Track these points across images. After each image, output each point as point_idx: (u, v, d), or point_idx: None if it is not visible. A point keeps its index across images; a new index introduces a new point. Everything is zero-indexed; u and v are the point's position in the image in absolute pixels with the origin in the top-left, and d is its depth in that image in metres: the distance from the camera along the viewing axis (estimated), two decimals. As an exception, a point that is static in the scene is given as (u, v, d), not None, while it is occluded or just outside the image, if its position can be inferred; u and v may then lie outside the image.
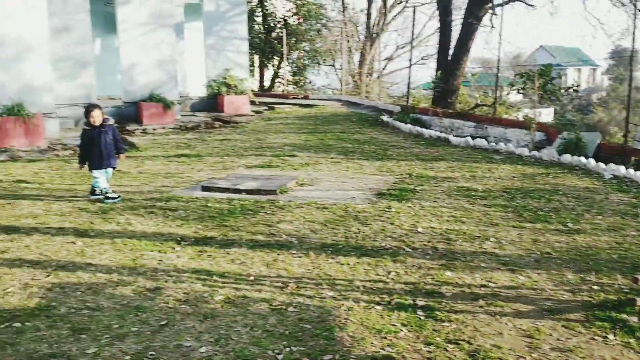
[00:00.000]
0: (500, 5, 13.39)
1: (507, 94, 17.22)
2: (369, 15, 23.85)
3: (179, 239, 5.34)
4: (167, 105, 13.64)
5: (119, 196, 6.75)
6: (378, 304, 3.97)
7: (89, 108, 6.76)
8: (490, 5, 14.36)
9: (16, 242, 5.21)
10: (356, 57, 24.31)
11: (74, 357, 3.23)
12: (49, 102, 11.02)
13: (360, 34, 25.24)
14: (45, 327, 3.58)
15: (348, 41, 22.64)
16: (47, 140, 10.66)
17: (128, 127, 12.78)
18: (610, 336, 3.48)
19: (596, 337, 3.47)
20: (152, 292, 4.14)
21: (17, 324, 3.62)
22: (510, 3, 15.47)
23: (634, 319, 3.65)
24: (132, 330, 3.55)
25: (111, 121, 6.83)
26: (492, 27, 14.43)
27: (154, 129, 13.11)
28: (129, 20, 13.66)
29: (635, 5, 10.60)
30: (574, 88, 14.79)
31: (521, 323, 3.67)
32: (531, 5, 14.90)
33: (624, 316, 3.70)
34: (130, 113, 13.74)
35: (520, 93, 14.15)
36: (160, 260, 4.77)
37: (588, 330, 3.56)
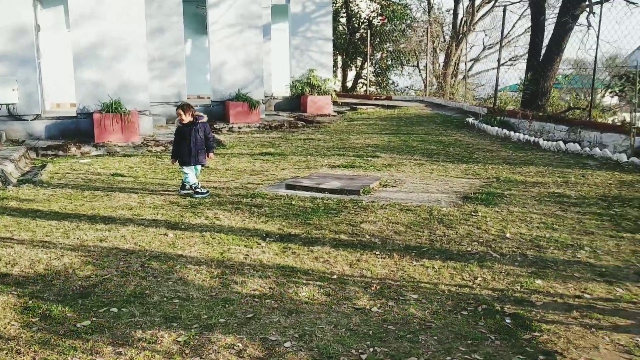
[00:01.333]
0: (599, 2, 12.70)
1: (602, 96, 16.36)
2: (455, 15, 23.32)
3: (264, 234, 5.45)
4: (252, 105, 13.97)
5: (207, 191, 6.98)
6: (464, 309, 3.87)
7: (177, 107, 7.05)
8: (587, 3, 13.66)
9: (113, 232, 5.50)
10: (441, 58, 23.82)
11: (166, 344, 3.36)
12: (144, 100, 11.57)
13: (445, 34, 24.75)
14: (140, 314, 3.75)
15: (433, 42, 22.25)
16: (141, 136, 11.20)
17: (215, 126, 13.19)
18: None
19: None
20: (239, 285, 4.24)
21: (114, 309, 3.81)
22: (610, 1, 14.67)
23: None
24: (220, 321, 3.65)
25: (204, 119, 7.07)
26: (589, 26, 13.69)
27: (239, 128, 13.47)
28: (219, 21, 14.10)
29: None
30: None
31: (619, 337, 3.46)
32: (633, 3, 14.03)
33: None
34: (217, 111, 14.18)
35: (618, 96, 13.38)
36: (247, 255, 4.89)
37: (696, 350, 3.31)
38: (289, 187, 7.32)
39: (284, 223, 5.81)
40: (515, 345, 3.38)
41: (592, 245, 5.14)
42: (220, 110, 14.24)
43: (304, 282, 4.31)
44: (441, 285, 4.28)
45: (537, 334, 3.52)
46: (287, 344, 3.36)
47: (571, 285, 4.26)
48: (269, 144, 11.32)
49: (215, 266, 4.61)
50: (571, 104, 15.10)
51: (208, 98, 14.96)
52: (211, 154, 7.16)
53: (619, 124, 11.17)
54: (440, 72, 22.68)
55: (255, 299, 3.99)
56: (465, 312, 3.82)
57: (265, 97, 15.89)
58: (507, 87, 21.11)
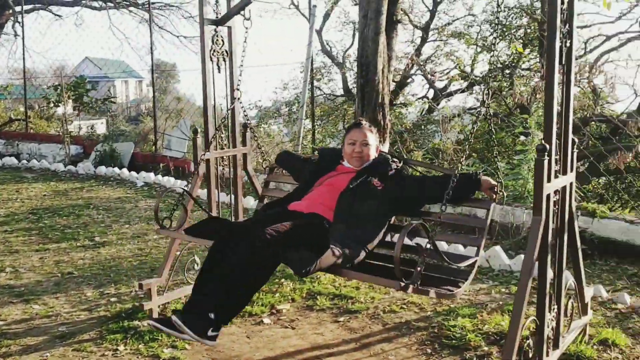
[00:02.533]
0: (20, 13, 12.50)
1: (57, 106, 16.38)
2: None
3: None
4: None
5: None
6: None
7: None
8: (11, 12, 13.26)
9: None
10: None
11: None
12: None
13: None
14: None
15: None
16: None
17: None
18: (121, 347, 3.47)
19: (107, 352, 3.41)
20: None
21: None
22: (36, 12, 14.69)
23: (145, 322, 3.75)
24: None
25: None
26: (17, 35, 13.36)
27: None
28: None
29: (151, 24, 11.32)
30: (110, 99, 15.10)
31: (27, 359, 3.34)
32: (58, 16, 14.44)
33: (136, 323, 3.76)
34: None
35: (57, 106, 13.57)
36: None
37: (100, 347, 3.48)
38: None
39: None
40: None
41: (16, 264, 4.91)
42: None
43: None
44: None
45: None
46: None
47: (-15, 316, 3.91)
48: None
49: None
50: (12, 115, 14.51)
51: None
52: None
53: (56, 133, 11.33)
54: None
55: None
56: None
57: None
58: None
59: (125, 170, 8.95)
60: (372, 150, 3.32)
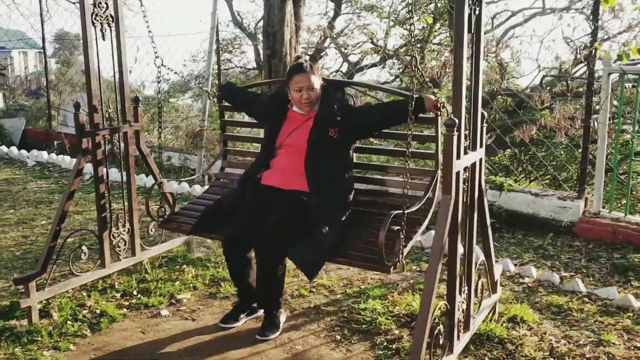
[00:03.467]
0: None
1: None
2: None
3: None
4: None
5: None
6: None
7: None
8: None
9: None
10: None
11: None
12: None
13: None
14: None
15: None
16: None
17: None
18: (-7, 351, 3.06)
19: (-25, 360, 3.00)
20: None
21: None
22: None
23: (24, 322, 3.34)
24: None
25: None
26: None
27: None
28: None
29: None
30: (0, 71, 13.89)
31: None
32: None
33: (13, 322, 3.33)
34: None
35: None
36: None
37: (-33, 354, 3.05)
38: None
39: None
40: None
41: None
42: None
43: None
44: None
45: None
46: None
47: None
48: None
49: None
50: None
51: None
52: None
53: None
54: None
55: None
56: None
57: None
58: None
59: (14, 148, 8.19)
60: (318, 90, 3.23)
